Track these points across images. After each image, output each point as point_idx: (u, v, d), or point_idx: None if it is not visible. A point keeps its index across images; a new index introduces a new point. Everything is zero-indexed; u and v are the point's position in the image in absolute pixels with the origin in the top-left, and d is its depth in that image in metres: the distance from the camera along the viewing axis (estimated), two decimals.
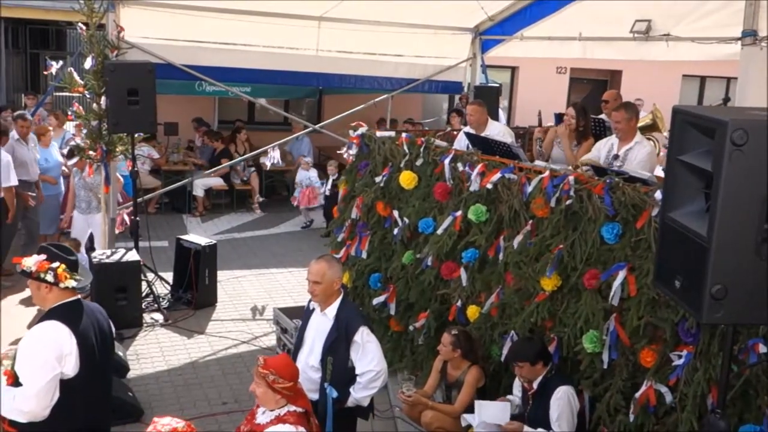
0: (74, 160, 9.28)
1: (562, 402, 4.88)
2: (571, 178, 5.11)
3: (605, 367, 4.81)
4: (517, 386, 5.39)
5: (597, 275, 4.85)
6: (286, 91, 13.91)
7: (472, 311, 5.95)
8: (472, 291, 5.96)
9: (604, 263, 4.84)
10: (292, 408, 4.19)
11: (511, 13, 10.91)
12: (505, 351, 5.55)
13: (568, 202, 5.06)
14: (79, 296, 4.17)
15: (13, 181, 9.05)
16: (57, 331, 3.89)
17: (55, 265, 4.04)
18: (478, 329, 5.88)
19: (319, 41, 10.54)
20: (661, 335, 4.51)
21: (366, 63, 11.04)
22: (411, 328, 6.62)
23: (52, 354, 3.84)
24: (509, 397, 5.44)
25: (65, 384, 3.87)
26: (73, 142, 10.34)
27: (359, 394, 4.79)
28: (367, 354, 4.78)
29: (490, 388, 5.76)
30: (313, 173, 12.67)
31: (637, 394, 4.57)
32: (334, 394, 4.71)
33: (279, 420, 4.13)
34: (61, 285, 4.01)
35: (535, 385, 5.09)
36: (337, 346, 4.80)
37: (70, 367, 3.88)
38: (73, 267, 4.10)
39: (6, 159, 9.03)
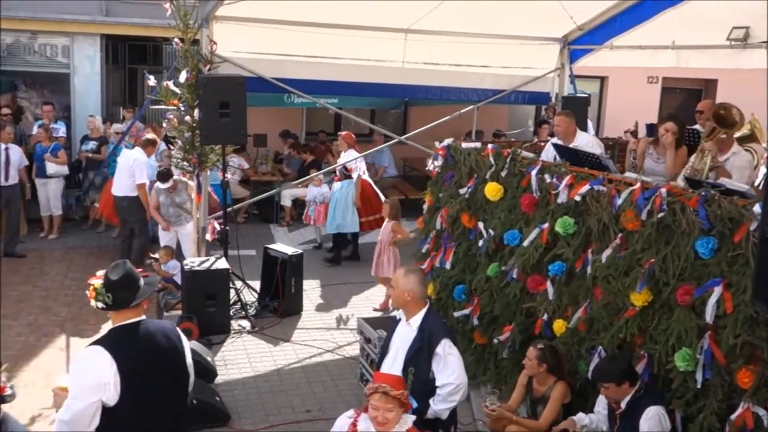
0: (168, 184, 9.57)
1: (653, 422, 4.71)
2: (663, 190, 4.95)
3: (699, 386, 4.63)
4: (601, 403, 5.23)
5: (690, 291, 4.68)
6: (372, 102, 14.00)
7: (559, 325, 5.83)
8: (559, 305, 5.84)
9: (698, 279, 4.66)
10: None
11: (601, 22, 10.69)
12: (592, 367, 5.40)
13: (660, 215, 4.90)
14: (143, 317, 4.02)
15: (144, 179, 10.22)
16: (97, 358, 3.77)
17: (91, 281, 3.94)
18: (565, 344, 5.75)
19: (405, 53, 10.57)
20: (759, 355, 4.30)
21: (452, 74, 11.00)
22: (495, 341, 6.52)
23: (89, 382, 3.75)
24: (579, 416, 5.30)
25: (107, 410, 3.76)
26: (166, 156, 10.65)
27: (438, 406, 4.74)
28: (448, 366, 4.73)
29: (576, 405, 5.61)
30: (326, 189, 12.27)
31: (733, 416, 4.37)
32: (414, 404, 4.68)
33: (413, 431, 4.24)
34: (91, 303, 3.91)
35: (623, 405, 4.93)
36: (419, 356, 4.78)
37: (110, 395, 3.74)
38: (111, 287, 3.90)
39: (144, 159, 10.30)
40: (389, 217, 9.22)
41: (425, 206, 7.77)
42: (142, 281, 4.04)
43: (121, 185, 10.49)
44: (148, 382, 3.86)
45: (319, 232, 12.28)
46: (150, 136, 10.65)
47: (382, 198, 11.32)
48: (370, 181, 11.47)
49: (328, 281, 10.47)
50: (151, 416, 3.89)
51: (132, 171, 10.32)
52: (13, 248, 11.16)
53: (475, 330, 6.77)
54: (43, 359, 7.86)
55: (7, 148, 10.98)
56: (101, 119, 13.48)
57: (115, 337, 3.90)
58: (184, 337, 4.21)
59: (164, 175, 9.67)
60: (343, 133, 11.28)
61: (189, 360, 4.15)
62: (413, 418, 4.36)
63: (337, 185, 11.24)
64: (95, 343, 3.87)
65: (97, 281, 3.92)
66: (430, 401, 4.74)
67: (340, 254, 11.39)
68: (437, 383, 4.74)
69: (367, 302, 9.51)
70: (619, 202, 5.27)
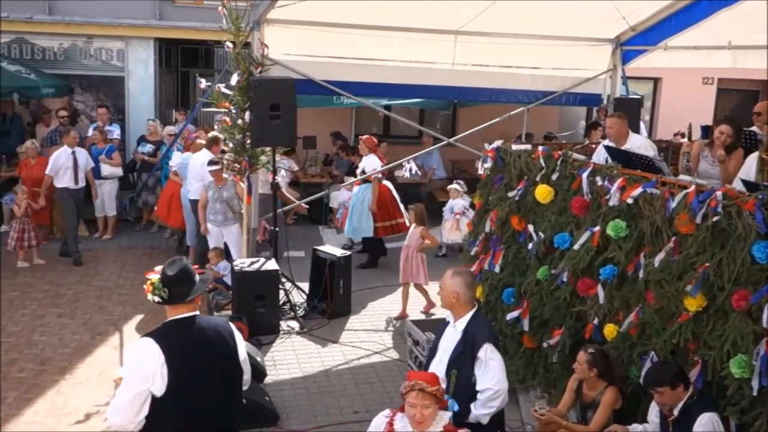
0: (215, 167, 9.67)
1: (707, 429, 4.62)
2: (718, 193, 4.86)
3: (755, 394, 4.53)
4: (653, 411, 5.14)
5: (747, 296, 4.58)
6: (421, 102, 14.01)
7: (610, 330, 5.75)
8: (610, 309, 5.77)
9: (755, 284, 4.57)
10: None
11: (655, 22, 10.52)
12: (644, 372, 5.33)
13: (715, 218, 4.82)
14: (197, 312, 4.13)
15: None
16: (146, 350, 3.91)
17: (149, 276, 4.06)
18: (616, 349, 5.68)
19: (455, 55, 10.54)
20: None
21: (502, 76, 10.94)
22: (545, 345, 6.47)
23: (138, 372, 3.90)
24: (633, 426, 5.21)
25: (155, 401, 3.89)
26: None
27: (478, 411, 4.72)
28: (489, 371, 4.70)
29: (628, 411, 5.54)
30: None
31: None
32: (456, 407, 4.67)
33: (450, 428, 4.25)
34: (148, 297, 4.04)
35: (675, 412, 4.84)
36: (462, 360, 4.77)
37: (157, 386, 3.87)
38: (168, 282, 4.02)
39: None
40: (416, 223, 9.19)
41: (475, 208, 7.74)
42: (197, 278, 4.17)
43: (195, 190, 10.49)
44: (196, 376, 3.96)
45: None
46: (213, 134, 10.72)
47: (400, 204, 11.31)
48: (390, 185, 11.42)
49: (375, 283, 10.50)
50: (197, 410, 3.99)
51: (202, 174, 10.42)
52: (74, 248, 11.37)
53: (525, 334, 6.72)
54: (98, 357, 8.03)
55: (74, 152, 11.21)
56: (159, 123, 13.72)
57: (167, 330, 4.03)
58: (238, 335, 4.28)
59: (213, 162, 9.77)
60: (364, 136, 11.33)
61: (242, 357, 4.25)
62: (449, 414, 4.36)
63: (355, 189, 11.24)
64: (147, 334, 4.01)
65: (154, 276, 4.04)
66: (471, 406, 4.72)
67: (374, 259, 11.42)
68: (477, 387, 4.72)
69: (416, 305, 9.51)
70: (673, 205, 5.19)
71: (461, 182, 11.93)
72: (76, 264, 11.01)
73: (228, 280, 9.34)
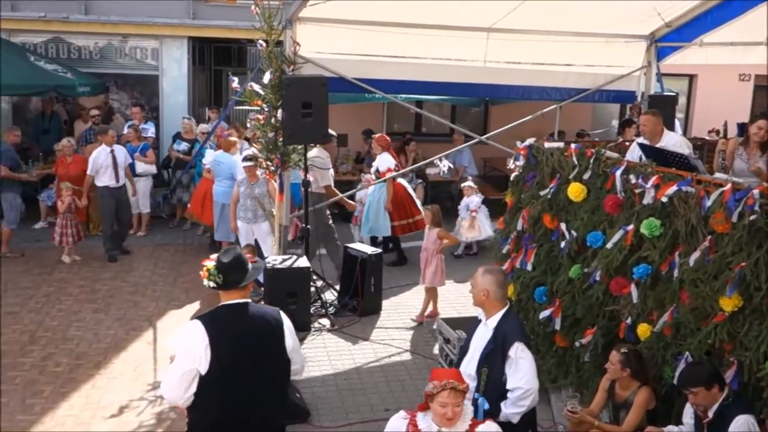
0: (249, 163, 9.72)
1: (743, 431, 4.55)
2: (755, 191, 4.78)
3: None
4: (688, 413, 5.08)
5: None
6: (453, 99, 13.96)
7: (643, 329, 5.70)
8: (644, 308, 5.72)
9: None
10: None
11: (690, 18, 10.39)
12: (678, 373, 5.27)
13: (752, 217, 4.74)
14: (248, 300, 4.37)
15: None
16: (194, 331, 4.18)
17: (205, 263, 4.33)
18: (649, 349, 5.62)
19: (487, 52, 10.48)
20: None
21: (534, 73, 10.86)
22: (577, 344, 6.43)
23: (186, 352, 4.17)
24: (668, 428, 5.15)
25: (201, 379, 4.15)
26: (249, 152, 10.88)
27: (509, 410, 4.70)
28: (519, 370, 4.68)
29: (662, 412, 5.48)
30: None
31: None
32: (486, 406, 4.67)
33: (476, 423, 4.29)
34: (204, 282, 4.29)
35: (710, 413, 4.78)
36: (493, 358, 4.76)
37: (203, 366, 4.13)
38: (222, 268, 4.27)
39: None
40: (432, 224, 9.04)
41: (507, 207, 7.72)
42: (250, 266, 4.43)
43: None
44: (237, 360, 4.19)
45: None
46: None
47: (418, 202, 11.27)
48: (405, 184, 11.38)
49: (405, 281, 10.50)
50: (238, 392, 4.22)
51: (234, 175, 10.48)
52: (118, 248, 11.50)
53: (557, 333, 6.68)
54: (132, 352, 8.12)
55: (112, 150, 11.32)
56: (194, 121, 13.83)
57: (216, 314, 4.32)
58: (288, 324, 4.47)
59: (247, 158, 9.82)
60: (377, 135, 11.29)
61: (290, 346, 4.44)
62: (471, 409, 4.39)
63: (371, 189, 11.20)
64: (198, 317, 4.29)
65: (210, 263, 4.31)
66: (502, 405, 4.70)
67: (402, 256, 11.42)
68: (508, 386, 4.70)
69: (447, 303, 9.49)
70: (709, 203, 5.12)
71: (469, 178, 12.02)
72: (110, 261, 11.15)
73: (260, 277, 9.39)
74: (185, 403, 4.21)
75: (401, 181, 11.29)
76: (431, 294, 9.21)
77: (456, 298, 9.65)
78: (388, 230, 11.00)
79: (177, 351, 4.25)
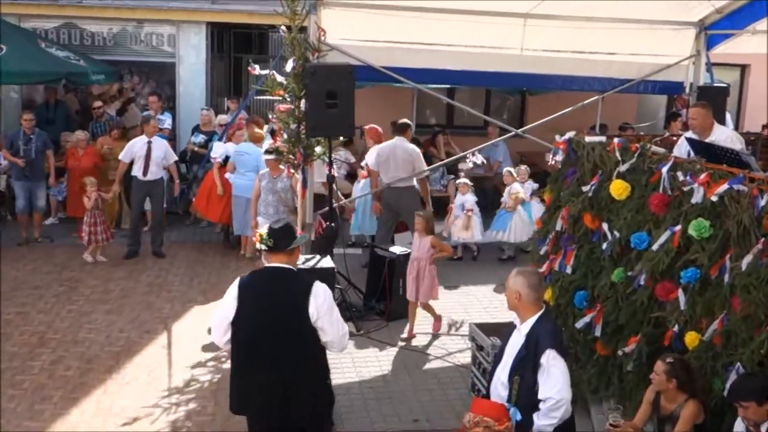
0: (271, 156, 9.77)
1: None
2: None
3: None
4: (739, 427, 5.04)
5: None
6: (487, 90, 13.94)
7: (691, 338, 5.65)
8: (692, 315, 5.66)
9: None
10: None
11: (742, 4, 10.28)
12: (728, 385, 5.22)
13: None
14: (290, 266, 5.11)
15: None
16: (234, 283, 5.12)
17: (258, 230, 5.37)
18: (698, 358, 5.57)
19: (524, 39, 10.45)
20: None
21: (575, 62, 10.82)
22: (620, 352, 6.38)
23: (224, 299, 5.11)
24: None
25: (231, 328, 5.02)
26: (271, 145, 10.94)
27: (541, 421, 4.69)
28: (550, 379, 4.68)
29: (711, 426, 5.43)
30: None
31: None
32: (518, 416, 4.67)
33: None
34: (256, 246, 5.27)
35: (763, 429, 4.74)
36: (524, 365, 4.77)
37: (231, 314, 5.01)
38: (273, 233, 5.10)
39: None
40: (425, 232, 8.74)
41: (545, 205, 7.68)
42: (298, 235, 5.28)
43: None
44: (254, 316, 4.98)
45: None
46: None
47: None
48: None
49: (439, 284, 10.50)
50: (252, 347, 5.00)
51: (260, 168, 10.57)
52: (158, 247, 11.62)
53: (598, 340, 6.64)
54: (146, 356, 8.20)
55: (149, 142, 11.40)
56: (212, 112, 13.90)
57: (256, 271, 5.37)
58: (319, 294, 4.99)
59: (269, 151, 9.87)
60: (367, 127, 11.26)
61: (314, 315, 4.94)
62: None
63: (362, 183, 11.16)
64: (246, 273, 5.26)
65: (263, 230, 5.20)
66: (534, 416, 4.70)
67: None
68: (539, 396, 4.70)
69: (481, 307, 9.49)
70: (762, 203, 5.07)
71: (462, 175, 12.06)
72: (127, 257, 11.29)
73: None
74: (225, 347, 5.18)
75: None
76: (426, 308, 8.90)
77: (490, 302, 9.64)
78: (375, 229, 10.96)
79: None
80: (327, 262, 8.76)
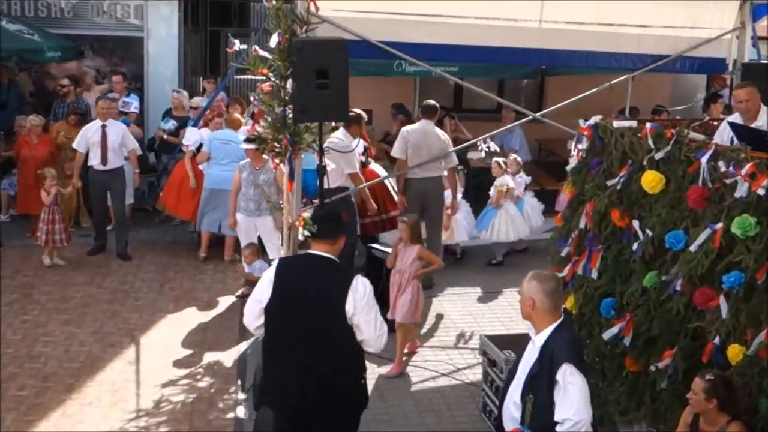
0: (251, 146, 9.77)
1: None
2: None
3: None
4: None
5: None
6: (499, 71, 13.92)
7: (734, 351, 5.66)
8: (735, 325, 5.67)
9: None
10: None
11: None
12: None
13: None
14: (332, 255, 5.40)
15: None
16: (271, 267, 5.56)
17: (302, 214, 5.68)
18: (742, 375, 5.58)
19: (542, 11, 10.43)
20: None
21: (601, 36, 10.79)
22: (652, 368, 6.39)
23: (260, 282, 5.50)
24: None
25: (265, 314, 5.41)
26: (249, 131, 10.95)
27: None
28: (568, 398, 4.69)
29: None
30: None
31: None
32: None
33: None
34: (299, 231, 5.61)
35: None
36: (539, 383, 4.78)
37: (265, 300, 5.36)
38: (317, 219, 5.51)
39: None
40: (410, 241, 8.65)
41: (565, 199, 7.69)
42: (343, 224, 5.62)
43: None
44: (289, 306, 5.31)
45: None
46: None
47: (394, 194, 11.04)
48: (380, 171, 11.27)
49: (445, 289, 10.50)
50: (281, 337, 5.37)
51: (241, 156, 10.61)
52: (123, 247, 11.65)
53: (627, 354, 6.65)
54: (110, 373, 8.22)
55: (104, 126, 11.46)
56: (186, 95, 13.87)
57: (295, 256, 5.87)
58: (359, 289, 5.28)
59: (249, 139, 9.89)
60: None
61: (350, 311, 5.23)
62: None
63: None
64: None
65: (307, 214, 5.31)
66: None
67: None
68: (556, 417, 4.71)
69: (494, 316, 9.51)
70: None
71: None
72: (92, 253, 11.30)
73: None
74: (257, 333, 5.59)
75: (374, 167, 11.25)
76: (404, 333, 8.65)
77: (504, 310, 9.65)
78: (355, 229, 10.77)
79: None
80: None
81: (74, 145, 11.50)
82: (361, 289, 5.30)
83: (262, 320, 5.42)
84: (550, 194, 12.28)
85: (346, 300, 5.24)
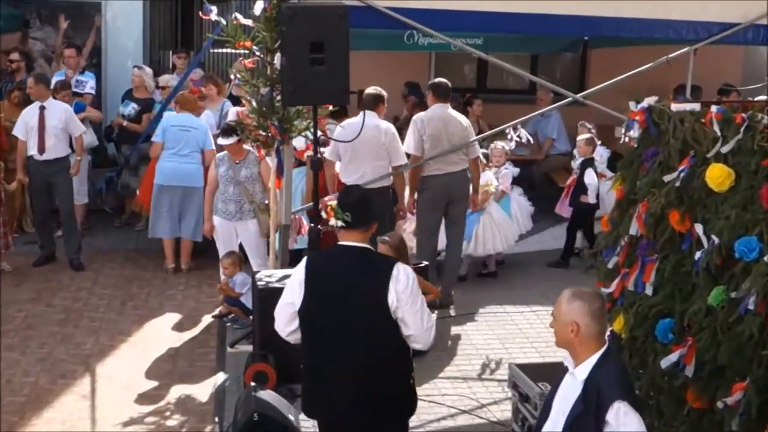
0: (231, 140, 9.76)
1: None
2: None
3: None
4: None
5: None
6: (533, 43, 13.91)
7: None
8: None
9: None
10: None
11: None
12: None
13: None
14: (366, 245, 5.68)
15: None
16: (300, 265, 5.75)
17: (328, 203, 5.92)
18: None
19: None
20: None
21: (656, 1, 10.79)
22: (720, 404, 6.37)
23: (289, 283, 5.75)
24: None
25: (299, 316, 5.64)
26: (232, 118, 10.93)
27: None
28: None
29: None
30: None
31: None
32: None
33: None
34: (330, 222, 5.71)
35: None
36: (583, 425, 4.74)
37: (298, 301, 5.58)
38: (348, 207, 5.60)
39: None
40: None
41: (615, 198, 7.68)
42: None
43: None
44: (327, 304, 5.56)
45: None
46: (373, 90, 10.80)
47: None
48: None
49: (467, 307, 10.48)
50: (319, 340, 5.62)
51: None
52: (75, 254, 11.69)
53: (689, 386, 6.63)
54: (60, 409, 8.21)
55: (42, 107, 11.51)
56: (150, 72, 13.85)
57: (327, 250, 6.19)
58: (401, 280, 5.50)
59: (229, 130, 9.88)
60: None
61: (393, 303, 5.45)
62: None
63: (294, 173, 10.98)
64: (313, 251, 5.81)
65: (332, 202, 5.73)
66: None
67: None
68: None
69: (526, 341, 9.49)
70: None
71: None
72: (38, 263, 11.31)
73: (248, 300, 9.43)
74: (291, 339, 5.78)
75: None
76: None
77: (538, 333, 9.63)
78: (303, 241, 10.23)
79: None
80: None
81: (14, 131, 11.51)
82: (402, 279, 5.52)
83: (294, 325, 5.67)
84: None
85: (388, 292, 5.46)
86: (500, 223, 11.46)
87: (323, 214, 6.02)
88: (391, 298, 5.47)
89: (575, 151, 12.62)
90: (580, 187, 11.98)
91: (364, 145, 9.93)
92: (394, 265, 5.59)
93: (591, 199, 11.95)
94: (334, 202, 5.70)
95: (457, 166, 10.40)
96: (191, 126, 11.37)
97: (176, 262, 11.66)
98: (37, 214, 11.77)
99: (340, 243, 5.75)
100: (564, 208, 12.56)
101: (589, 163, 12.00)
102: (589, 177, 11.90)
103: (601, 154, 12.38)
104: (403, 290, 5.49)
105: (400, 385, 5.77)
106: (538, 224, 13.11)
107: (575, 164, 12.39)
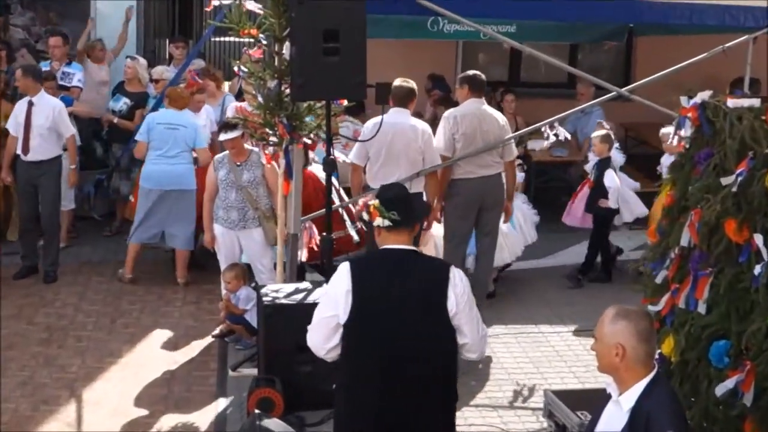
0: (233, 133, 9.76)
1: None
2: None
3: None
4: None
5: None
6: (572, 32, 13.90)
7: None
8: None
9: None
10: None
11: None
12: None
13: None
14: (412, 246, 5.76)
15: None
16: (340, 275, 5.66)
17: (370, 202, 5.78)
18: None
19: None
20: None
21: None
22: None
23: (327, 296, 5.74)
24: None
25: (343, 331, 5.59)
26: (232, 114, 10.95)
27: None
28: None
29: None
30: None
31: None
32: None
33: None
34: (375, 223, 5.68)
35: None
36: None
37: (342, 315, 5.54)
38: (392, 204, 5.62)
39: None
40: None
41: (661, 202, 7.67)
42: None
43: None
44: (380, 314, 5.55)
45: None
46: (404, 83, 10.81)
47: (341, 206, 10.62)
48: (318, 174, 10.58)
49: (497, 325, 10.47)
50: (377, 355, 5.57)
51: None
52: (49, 266, 11.74)
53: (748, 416, 6.62)
54: None
55: (30, 102, 11.55)
56: (144, 63, 13.87)
57: (370, 257, 6.16)
58: (457, 283, 5.60)
59: (229, 125, 9.91)
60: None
61: (452, 309, 5.53)
62: None
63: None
64: (351, 258, 5.74)
65: (374, 201, 5.71)
66: None
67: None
68: None
69: (563, 364, 9.47)
70: None
71: None
72: (19, 276, 11.36)
73: (252, 318, 9.44)
74: (329, 357, 5.73)
75: (315, 169, 10.77)
76: None
77: (577, 356, 9.61)
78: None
79: (324, 292, 5.95)
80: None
81: (7, 124, 11.54)
82: (459, 284, 5.59)
83: (335, 341, 5.63)
84: (640, 198, 12.19)
85: (447, 298, 5.53)
86: (506, 234, 11.37)
87: (364, 215, 6.02)
88: (451, 304, 5.54)
89: (589, 153, 12.54)
90: (599, 190, 11.89)
91: (398, 148, 9.94)
92: (450, 268, 5.68)
93: (612, 203, 11.86)
94: (375, 201, 5.68)
95: (491, 169, 10.30)
96: (179, 124, 11.34)
97: (134, 273, 11.70)
98: (22, 220, 11.78)
99: (385, 247, 5.73)
100: (575, 217, 12.41)
101: (606, 163, 11.90)
102: (609, 178, 11.83)
103: (616, 158, 12.24)
104: (461, 295, 5.57)
105: (453, 405, 5.83)
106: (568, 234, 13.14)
107: (589, 166, 12.30)
